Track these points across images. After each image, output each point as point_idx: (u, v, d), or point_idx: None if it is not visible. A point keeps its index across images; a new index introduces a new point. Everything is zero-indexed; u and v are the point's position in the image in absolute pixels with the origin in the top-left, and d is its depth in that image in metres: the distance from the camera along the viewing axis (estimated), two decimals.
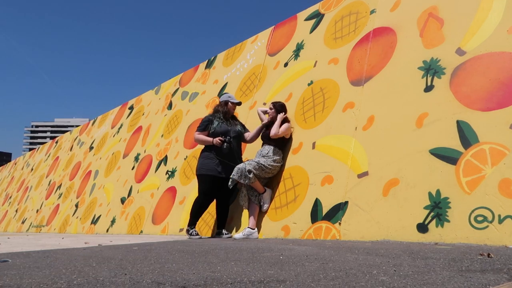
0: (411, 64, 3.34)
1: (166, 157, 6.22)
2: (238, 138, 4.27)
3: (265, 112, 4.30)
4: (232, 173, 3.79)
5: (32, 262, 1.73)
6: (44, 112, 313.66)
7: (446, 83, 3.01)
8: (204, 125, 4.25)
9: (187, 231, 4.04)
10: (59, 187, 9.43)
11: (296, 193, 3.65)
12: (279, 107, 4.09)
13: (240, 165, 3.73)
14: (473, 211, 2.43)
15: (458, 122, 2.77)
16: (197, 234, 4.00)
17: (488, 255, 1.68)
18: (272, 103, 4.15)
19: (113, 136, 8.56)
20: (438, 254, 1.75)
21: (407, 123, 3.09)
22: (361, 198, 3.07)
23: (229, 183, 3.81)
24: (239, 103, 4.46)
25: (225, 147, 4.07)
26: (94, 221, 6.90)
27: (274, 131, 3.89)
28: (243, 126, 4.43)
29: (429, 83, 3.12)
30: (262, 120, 4.32)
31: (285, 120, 4.07)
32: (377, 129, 3.28)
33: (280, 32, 5.40)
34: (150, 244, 2.99)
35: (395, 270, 1.29)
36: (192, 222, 4.07)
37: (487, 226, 2.33)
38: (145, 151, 6.83)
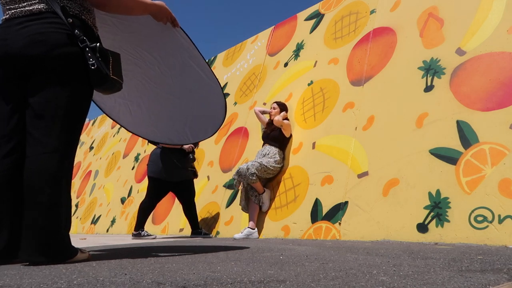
0: (411, 64, 3.34)
1: None
2: None
3: (263, 112, 4.31)
4: (234, 174, 3.82)
5: None
6: None
7: (446, 83, 3.01)
8: None
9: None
10: None
11: (296, 193, 3.66)
12: (282, 106, 4.14)
13: (242, 166, 3.74)
14: (473, 211, 2.43)
15: (458, 122, 2.77)
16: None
17: None
18: (275, 102, 4.20)
19: (113, 136, 8.56)
20: (438, 254, 1.75)
21: (407, 123, 3.09)
22: (361, 198, 3.07)
23: (234, 184, 3.87)
24: None
25: (191, 157, 4.34)
26: (94, 221, 6.90)
27: (277, 117, 3.95)
28: None
29: (429, 83, 3.12)
30: (260, 120, 4.33)
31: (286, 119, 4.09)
32: (377, 129, 3.29)
33: (280, 32, 5.40)
34: (150, 244, 2.99)
35: (395, 270, 1.29)
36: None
37: (487, 226, 2.33)
38: (145, 151, 6.82)
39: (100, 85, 1.79)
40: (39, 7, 1.69)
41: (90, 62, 1.70)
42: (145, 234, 4.21)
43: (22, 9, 1.69)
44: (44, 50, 1.63)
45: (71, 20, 1.70)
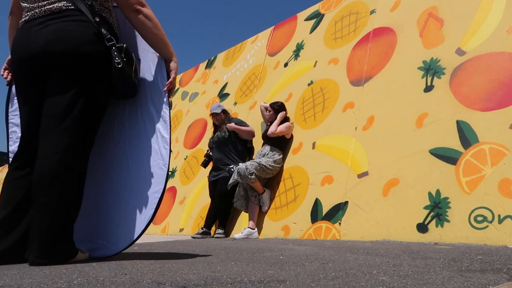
0: (411, 64, 3.34)
1: None
2: (220, 143, 4.33)
3: (267, 108, 4.30)
4: (233, 174, 3.83)
5: None
6: None
7: (446, 83, 3.01)
8: None
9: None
10: None
11: (296, 193, 3.66)
12: (277, 107, 4.10)
13: (241, 166, 3.74)
14: (473, 211, 2.43)
15: (458, 122, 2.77)
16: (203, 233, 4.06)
17: None
18: (270, 104, 4.16)
19: None
20: (438, 254, 1.75)
21: (407, 123, 3.09)
22: (361, 198, 3.07)
23: (229, 182, 3.85)
24: (211, 114, 4.52)
25: (203, 164, 4.53)
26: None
27: (272, 129, 3.90)
28: (228, 130, 4.40)
29: (429, 83, 3.12)
30: (264, 117, 4.31)
31: (285, 120, 4.08)
32: (377, 129, 3.29)
33: (280, 32, 5.40)
34: (150, 244, 2.99)
35: (395, 270, 1.29)
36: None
37: (487, 226, 2.33)
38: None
39: (121, 84, 1.77)
40: (60, 5, 1.66)
41: (116, 61, 1.68)
42: (199, 232, 4.04)
43: (42, 8, 1.66)
44: (68, 47, 1.60)
45: (98, 19, 1.67)
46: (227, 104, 5.59)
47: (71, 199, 1.64)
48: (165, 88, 1.87)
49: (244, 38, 6.77)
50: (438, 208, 2.59)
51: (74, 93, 1.64)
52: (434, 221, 2.57)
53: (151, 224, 5.40)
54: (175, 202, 5.27)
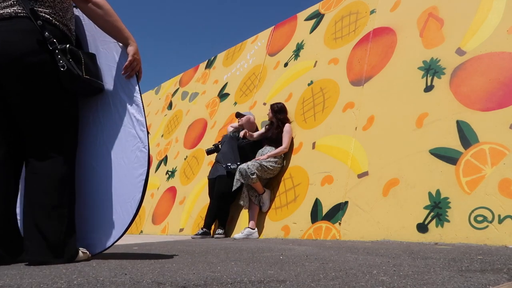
0: (411, 64, 3.34)
1: (166, 157, 6.22)
2: (229, 141, 4.38)
3: (234, 127, 4.40)
4: (235, 174, 3.83)
5: None
6: None
7: (446, 83, 3.01)
8: None
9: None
10: None
11: (296, 193, 3.66)
12: (277, 109, 4.10)
13: (243, 166, 3.74)
14: (473, 211, 2.43)
15: (458, 122, 2.77)
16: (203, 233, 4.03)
17: None
18: (271, 105, 4.16)
19: None
20: (438, 254, 1.75)
21: (407, 123, 3.09)
22: (361, 198, 3.07)
23: (234, 184, 3.85)
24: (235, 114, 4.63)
25: (206, 150, 4.69)
26: None
27: (284, 145, 3.90)
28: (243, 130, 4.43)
29: (429, 83, 3.12)
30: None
31: (286, 121, 4.07)
32: (377, 129, 3.28)
33: (280, 32, 5.40)
34: (150, 244, 2.99)
35: (395, 270, 1.29)
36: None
37: (487, 226, 2.33)
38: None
39: (72, 87, 1.74)
40: (9, 11, 1.62)
41: (60, 64, 1.65)
42: (199, 232, 4.02)
43: None
44: (11, 60, 1.58)
45: (41, 23, 1.63)
46: (227, 104, 5.59)
47: (66, 199, 1.67)
48: (122, 72, 1.86)
49: (244, 38, 6.76)
50: (438, 208, 2.59)
51: (38, 104, 1.64)
52: (434, 221, 2.57)
53: (151, 224, 5.40)
54: (175, 202, 5.27)
